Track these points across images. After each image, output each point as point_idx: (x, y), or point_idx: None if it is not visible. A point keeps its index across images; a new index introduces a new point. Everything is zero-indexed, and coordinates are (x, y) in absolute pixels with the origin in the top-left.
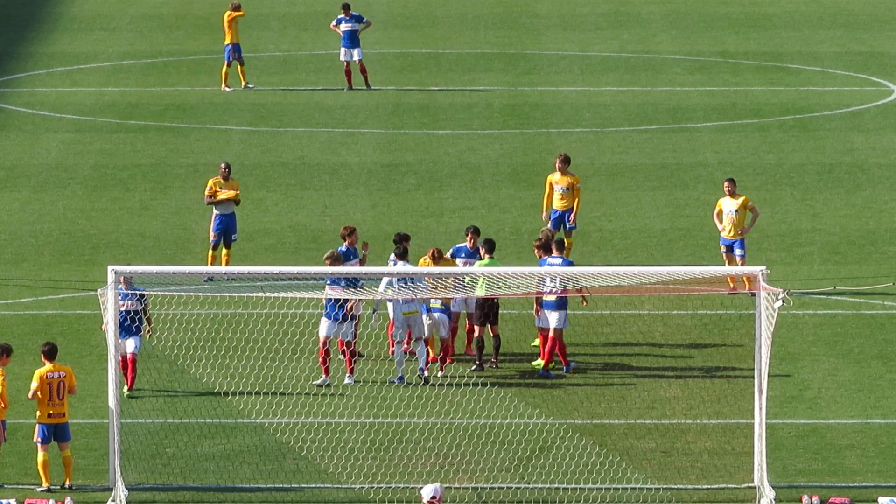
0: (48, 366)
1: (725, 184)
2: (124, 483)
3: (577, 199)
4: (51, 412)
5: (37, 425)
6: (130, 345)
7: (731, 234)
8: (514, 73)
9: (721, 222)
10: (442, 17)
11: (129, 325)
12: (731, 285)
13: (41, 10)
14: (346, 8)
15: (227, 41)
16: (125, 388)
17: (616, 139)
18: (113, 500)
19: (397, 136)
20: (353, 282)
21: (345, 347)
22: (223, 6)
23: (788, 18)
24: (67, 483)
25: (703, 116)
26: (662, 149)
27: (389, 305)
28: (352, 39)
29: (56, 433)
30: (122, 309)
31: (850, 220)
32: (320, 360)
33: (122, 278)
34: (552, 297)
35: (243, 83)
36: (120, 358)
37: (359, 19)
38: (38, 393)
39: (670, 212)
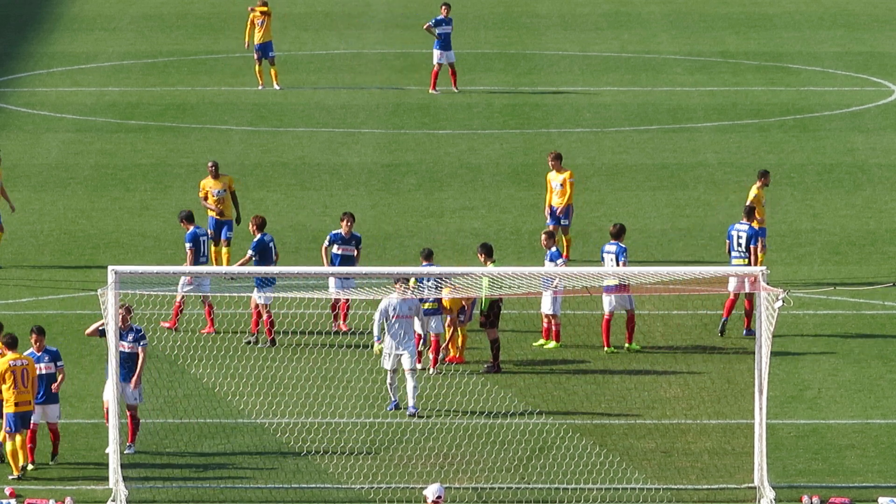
0: (11, 354)
1: (765, 177)
2: (124, 483)
3: (568, 194)
4: (18, 401)
5: (5, 415)
6: (53, 412)
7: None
8: (514, 73)
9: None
10: None
11: (45, 389)
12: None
13: (41, 10)
14: (447, 7)
15: (257, 40)
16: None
17: (616, 139)
18: (113, 500)
19: (397, 136)
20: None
21: (129, 412)
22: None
23: (788, 18)
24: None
25: (704, 116)
26: (662, 149)
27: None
28: (447, 42)
29: (23, 421)
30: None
31: (850, 220)
32: (121, 425)
33: (37, 344)
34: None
35: (273, 82)
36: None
37: (450, 21)
38: (5, 381)
39: (670, 212)
